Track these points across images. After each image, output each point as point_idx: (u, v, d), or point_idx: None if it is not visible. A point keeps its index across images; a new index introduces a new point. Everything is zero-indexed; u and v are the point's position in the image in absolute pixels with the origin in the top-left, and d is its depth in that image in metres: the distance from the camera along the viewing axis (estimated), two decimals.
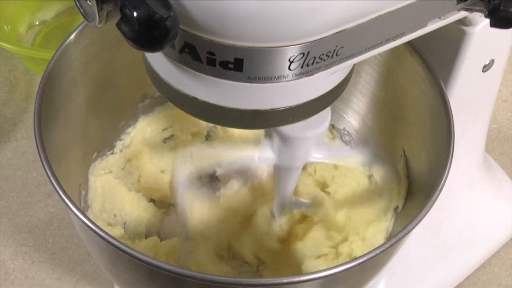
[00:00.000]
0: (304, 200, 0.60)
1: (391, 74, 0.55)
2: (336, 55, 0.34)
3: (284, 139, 0.47)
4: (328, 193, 0.61)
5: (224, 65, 0.33)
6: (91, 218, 0.51)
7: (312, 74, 0.35)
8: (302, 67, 0.34)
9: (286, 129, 0.46)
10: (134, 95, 0.61)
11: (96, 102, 0.56)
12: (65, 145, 0.51)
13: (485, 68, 0.52)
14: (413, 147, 0.54)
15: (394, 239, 0.41)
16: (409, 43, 0.50)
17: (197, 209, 0.60)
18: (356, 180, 0.61)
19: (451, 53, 0.50)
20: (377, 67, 0.56)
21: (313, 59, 0.34)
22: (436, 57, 0.50)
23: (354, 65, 0.38)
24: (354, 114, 0.62)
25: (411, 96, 0.53)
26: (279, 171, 0.52)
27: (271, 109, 0.36)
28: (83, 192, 0.57)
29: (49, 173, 0.42)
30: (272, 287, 0.39)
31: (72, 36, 0.50)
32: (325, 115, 0.47)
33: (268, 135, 0.49)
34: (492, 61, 0.52)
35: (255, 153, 0.55)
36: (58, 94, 0.49)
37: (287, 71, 0.34)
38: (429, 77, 0.49)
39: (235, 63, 0.33)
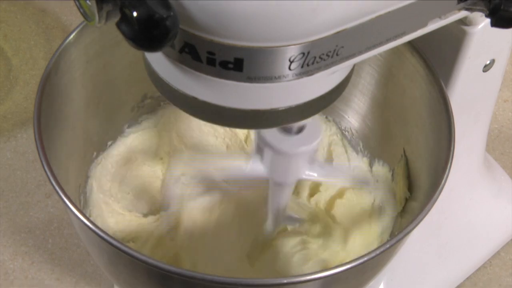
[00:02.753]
0: (298, 216, 0.59)
1: (391, 74, 0.55)
2: (337, 55, 0.34)
3: (275, 154, 0.47)
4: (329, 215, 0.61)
5: (224, 65, 0.33)
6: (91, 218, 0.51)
7: (312, 74, 0.34)
8: (302, 67, 0.34)
9: (278, 144, 0.46)
10: (134, 95, 0.61)
11: (96, 102, 0.56)
12: (65, 145, 0.51)
13: (486, 68, 0.52)
14: (414, 147, 0.54)
15: (394, 239, 0.41)
16: (410, 43, 0.50)
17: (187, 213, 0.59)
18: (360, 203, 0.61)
19: (452, 53, 0.50)
20: (377, 67, 0.56)
21: (313, 59, 0.33)
22: (437, 57, 0.50)
23: (355, 65, 0.38)
24: (355, 114, 0.62)
25: (412, 96, 0.53)
26: (272, 185, 0.51)
27: (271, 109, 0.36)
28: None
29: (49, 173, 0.42)
30: (272, 287, 0.39)
31: (72, 36, 0.50)
32: (317, 131, 0.46)
33: (260, 149, 0.49)
34: (492, 61, 0.52)
35: (245, 164, 0.54)
36: (58, 94, 0.49)
37: (287, 71, 0.34)
38: (430, 77, 0.49)
39: (235, 63, 0.33)
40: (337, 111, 0.63)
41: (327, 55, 0.34)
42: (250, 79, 0.34)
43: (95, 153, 0.59)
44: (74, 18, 0.89)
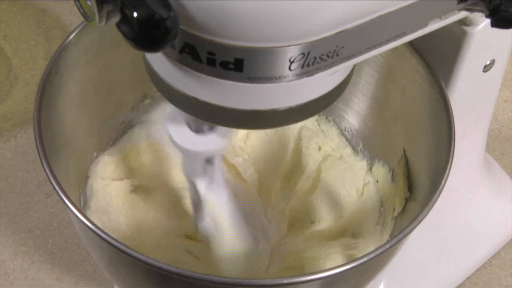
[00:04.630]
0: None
1: (391, 74, 0.55)
2: (337, 55, 0.34)
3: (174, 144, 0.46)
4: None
5: (224, 65, 0.33)
6: (91, 218, 0.51)
7: (313, 74, 0.34)
8: (302, 67, 0.34)
9: (174, 134, 0.45)
10: (134, 95, 0.61)
11: (97, 102, 0.56)
12: (65, 145, 0.51)
13: (486, 68, 0.52)
14: (414, 147, 0.54)
15: (394, 239, 0.41)
16: (410, 43, 0.50)
17: None
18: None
19: (452, 53, 0.50)
20: (377, 67, 0.56)
21: (313, 59, 0.33)
22: (437, 57, 0.50)
23: (355, 65, 0.38)
24: (355, 114, 0.62)
25: (412, 96, 0.53)
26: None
27: (271, 109, 0.36)
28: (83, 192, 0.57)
29: (49, 173, 0.42)
30: (272, 287, 0.39)
31: (72, 36, 0.50)
32: (213, 141, 0.45)
33: None
34: (493, 61, 0.52)
35: None
36: (58, 94, 0.49)
37: (287, 71, 0.34)
38: (430, 77, 0.49)
39: (235, 63, 0.33)
40: (337, 111, 0.63)
41: (327, 56, 0.34)
42: (250, 79, 0.34)
43: (95, 153, 0.59)
44: (74, 18, 0.89)
